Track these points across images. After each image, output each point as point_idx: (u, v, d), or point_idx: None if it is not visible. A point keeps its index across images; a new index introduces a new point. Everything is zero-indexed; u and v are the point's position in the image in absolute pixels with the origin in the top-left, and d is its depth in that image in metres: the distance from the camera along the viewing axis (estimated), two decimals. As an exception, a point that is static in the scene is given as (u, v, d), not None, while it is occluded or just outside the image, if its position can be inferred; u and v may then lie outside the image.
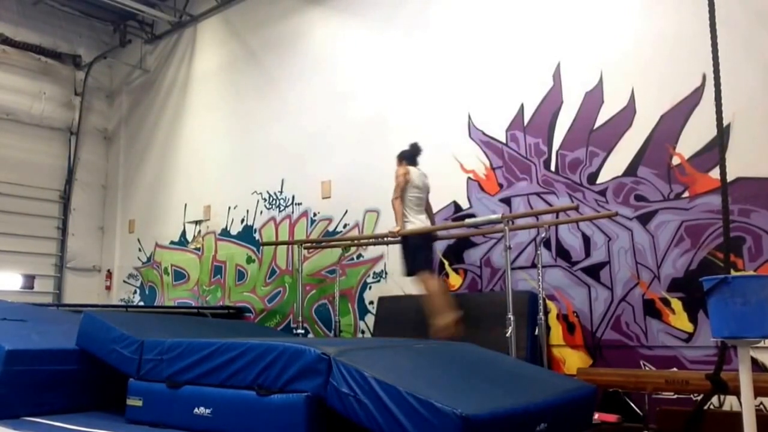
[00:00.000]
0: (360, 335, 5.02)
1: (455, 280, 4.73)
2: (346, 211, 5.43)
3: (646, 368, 3.81)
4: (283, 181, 5.96)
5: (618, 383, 3.54)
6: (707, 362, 3.56)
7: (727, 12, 3.61)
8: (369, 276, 5.12)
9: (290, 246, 5.67)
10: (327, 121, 5.67)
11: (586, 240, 4.13)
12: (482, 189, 4.69)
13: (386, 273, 5.10)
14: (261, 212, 6.09)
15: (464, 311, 4.14)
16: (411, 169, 4.36)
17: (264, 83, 6.28)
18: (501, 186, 4.61)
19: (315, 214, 5.67)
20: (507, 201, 4.56)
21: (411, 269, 4.19)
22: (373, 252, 5.12)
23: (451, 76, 4.96)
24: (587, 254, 4.10)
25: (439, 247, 4.79)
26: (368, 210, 5.30)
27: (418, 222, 4.25)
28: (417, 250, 4.20)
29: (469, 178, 4.79)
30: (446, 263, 4.78)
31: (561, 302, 4.20)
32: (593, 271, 4.07)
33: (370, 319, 4.94)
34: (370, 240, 5.04)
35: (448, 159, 4.87)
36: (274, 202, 6.00)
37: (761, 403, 3.43)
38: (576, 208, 3.95)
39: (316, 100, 5.78)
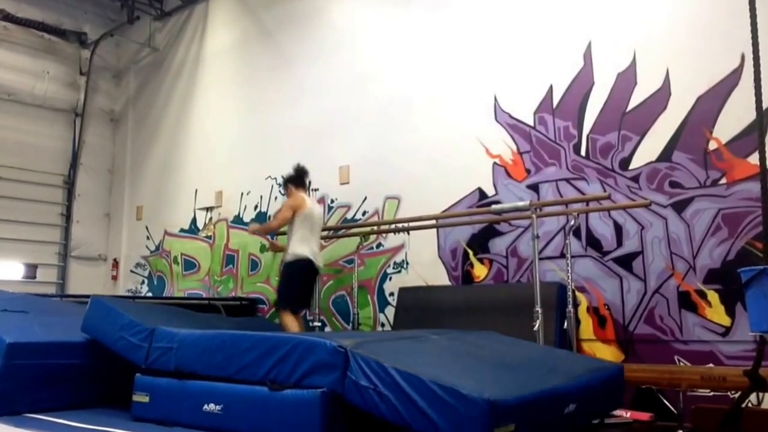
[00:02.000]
0: (380, 328, 5.29)
1: (480, 270, 4.98)
2: (365, 198, 5.70)
3: (681, 364, 4.02)
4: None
5: (651, 380, 3.73)
6: (745, 358, 3.75)
7: (769, -12, 3.75)
8: (389, 266, 5.38)
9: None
10: (346, 102, 5.92)
11: (618, 229, 4.34)
12: (509, 175, 4.92)
13: (407, 263, 5.37)
14: (276, 198, 6.38)
15: (490, 303, 4.40)
16: (303, 197, 4.63)
17: (279, 62, 6.56)
18: (528, 171, 4.83)
19: (332, 201, 5.94)
20: (535, 187, 4.78)
21: (278, 302, 4.54)
22: (393, 241, 5.38)
23: (477, 56, 5.17)
24: (619, 244, 4.30)
25: (463, 236, 5.05)
26: (389, 197, 5.56)
27: (306, 252, 4.52)
28: (290, 285, 4.50)
29: (495, 163, 5.01)
30: (471, 253, 5.03)
31: (591, 294, 4.43)
32: (625, 262, 4.27)
33: (390, 312, 5.21)
34: (391, 227, 5.30)
35: (473, 143, 5.10)
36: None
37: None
38: (608, 197, 4.17)
39: (334, 80, 6.04)
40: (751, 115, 3.55)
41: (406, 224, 5.11)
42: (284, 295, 4.64)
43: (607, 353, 4.27)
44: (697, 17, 4.20)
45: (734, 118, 4.01)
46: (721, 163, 4.04)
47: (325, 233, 5.57)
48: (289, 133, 6.30)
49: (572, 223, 4.29)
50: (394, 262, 5.40)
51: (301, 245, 4.60)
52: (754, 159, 3.81)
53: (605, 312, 4.32)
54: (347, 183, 5.87)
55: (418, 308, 4.84)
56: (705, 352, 3.96)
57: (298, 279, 4.63)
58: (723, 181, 4.04)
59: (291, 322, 4.49)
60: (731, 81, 4.05)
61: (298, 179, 4.85)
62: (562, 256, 4.46)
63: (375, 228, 5.43)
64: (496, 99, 5.04)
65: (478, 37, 5.19)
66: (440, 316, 4.65)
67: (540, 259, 4.45)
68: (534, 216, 3.87)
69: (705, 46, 4.15)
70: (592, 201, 4.26)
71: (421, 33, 5.53)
